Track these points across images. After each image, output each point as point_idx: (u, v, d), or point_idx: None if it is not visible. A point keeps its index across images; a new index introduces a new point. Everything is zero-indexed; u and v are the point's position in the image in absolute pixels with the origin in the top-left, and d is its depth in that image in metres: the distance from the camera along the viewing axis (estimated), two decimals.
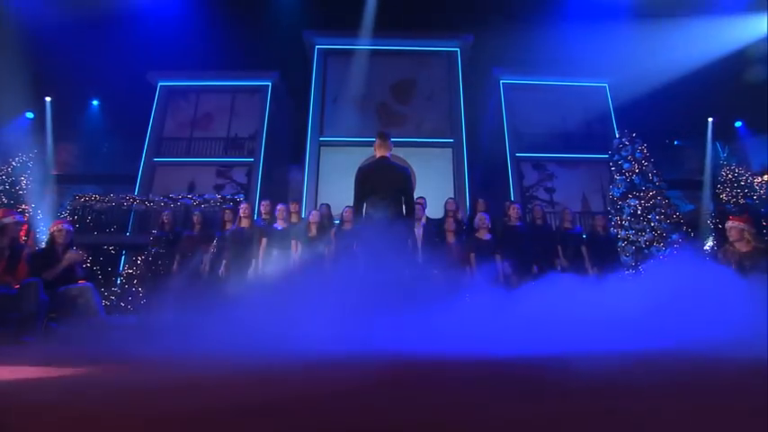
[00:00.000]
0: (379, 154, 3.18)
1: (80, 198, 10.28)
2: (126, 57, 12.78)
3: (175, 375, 1.44)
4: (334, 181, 10.62)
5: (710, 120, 13.13)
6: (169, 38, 12.51)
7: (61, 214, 10.12)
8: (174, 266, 4.95)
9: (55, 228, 3.60)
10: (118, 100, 13.70)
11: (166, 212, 5.39)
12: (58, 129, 12.89)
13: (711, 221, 10.66)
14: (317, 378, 1.40)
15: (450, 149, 11.61)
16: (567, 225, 4.96)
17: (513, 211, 4.71)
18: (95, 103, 14.49)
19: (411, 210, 3.12)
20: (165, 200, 10.03)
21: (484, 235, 4.51)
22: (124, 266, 8.96)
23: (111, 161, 14.23)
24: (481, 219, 4.55)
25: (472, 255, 4.41)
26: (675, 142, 15.04)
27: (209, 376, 1.41)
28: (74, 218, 9.68)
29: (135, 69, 12.69)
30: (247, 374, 1.43)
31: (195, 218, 5.22)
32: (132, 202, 10.25)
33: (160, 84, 12.58)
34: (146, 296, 6.45)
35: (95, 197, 10.30)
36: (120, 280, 8.14)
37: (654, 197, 7.97)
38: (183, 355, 1.93)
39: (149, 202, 10.19)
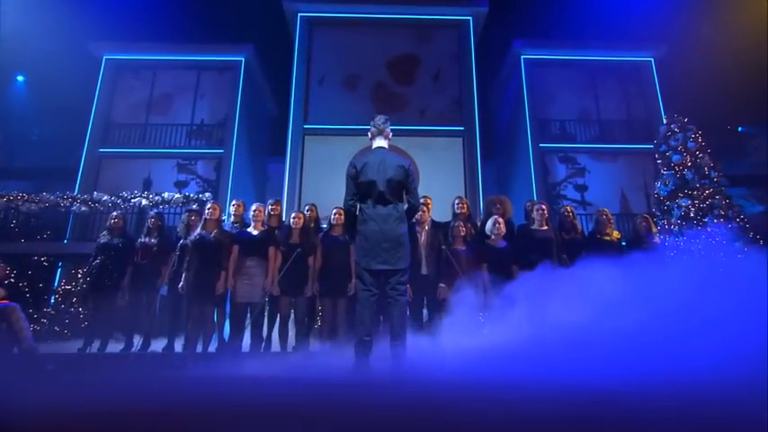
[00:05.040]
0: (375, 144, 3.27)
1: (1, 198, 10.26)
2: (62, 21, 12.69)
3: None
4: (321, 177, 10.72)
5: None
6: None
7: None
8: (125, 281, 5.01)
9: None
10: (51, 75, 13.58)
11: (115, 215, 5.44)
12: None
13: None
14: None
15: (461, 139, 11.75)
16: (609, 231, 4.91)
17: (538, 213, 4.78)
18: (20, 78, 14.31)
19: (414, 211, 3.21)
20: (114, 199, 10.07)
21: (498, 242, 4.61)
22: (60, 282, 8.98)
23: (45, 151, 14.21)
24: (497, 222, 4.65)
25: (485, 265, 4.51)
26: (739, 129, 15.10)
27: None
28: None
29: (73, 38, 12.68)
30: None
31: (151, 222, 5.28)
32: (71, 203, 10.27)
33: (106, 57, 12.66)
34: (87, 318, 6.47)
35: (23, 196, 10.28)
36: (55, 298, 8.17)
37: (711, 196, 8.04)
38: None
39: (93, 203, 10.22)
